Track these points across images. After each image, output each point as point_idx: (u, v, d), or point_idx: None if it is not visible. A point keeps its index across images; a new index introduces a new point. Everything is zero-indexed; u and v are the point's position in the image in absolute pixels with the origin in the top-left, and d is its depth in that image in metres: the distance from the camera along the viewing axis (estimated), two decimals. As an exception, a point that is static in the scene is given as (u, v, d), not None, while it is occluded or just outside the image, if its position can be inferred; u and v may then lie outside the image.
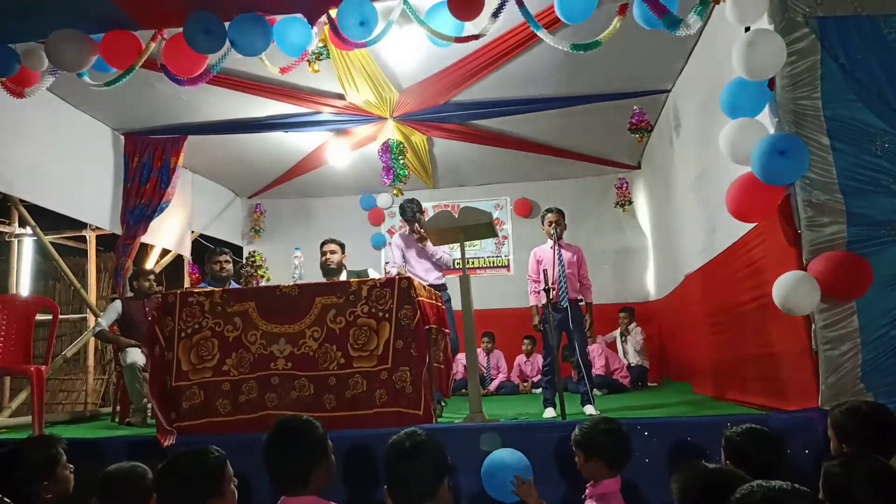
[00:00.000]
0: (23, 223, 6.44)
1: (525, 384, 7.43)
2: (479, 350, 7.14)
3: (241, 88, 5.37)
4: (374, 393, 3.65)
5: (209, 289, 4.25)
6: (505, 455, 2.91)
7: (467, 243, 4.22)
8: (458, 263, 4.46)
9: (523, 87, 5.64)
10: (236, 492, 2.15)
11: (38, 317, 4.82)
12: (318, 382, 3.71)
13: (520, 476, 2.74)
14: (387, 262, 8.63)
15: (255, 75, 5.17)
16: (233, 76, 5.15)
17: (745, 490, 1.46)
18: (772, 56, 3.05)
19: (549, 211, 4.88)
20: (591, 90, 5.73)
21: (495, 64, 5.14)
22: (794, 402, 3.34)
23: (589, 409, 4.40)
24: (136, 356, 4.90)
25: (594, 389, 4.81)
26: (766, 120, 3.30)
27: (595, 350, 6.69)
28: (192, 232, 7.54)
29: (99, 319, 5.36)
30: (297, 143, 6.88)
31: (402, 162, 6.29)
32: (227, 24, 3.59)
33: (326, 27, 3.79)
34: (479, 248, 8.49)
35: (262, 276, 8.36)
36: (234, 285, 5.28)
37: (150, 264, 6.89)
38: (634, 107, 5.99)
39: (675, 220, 6.08)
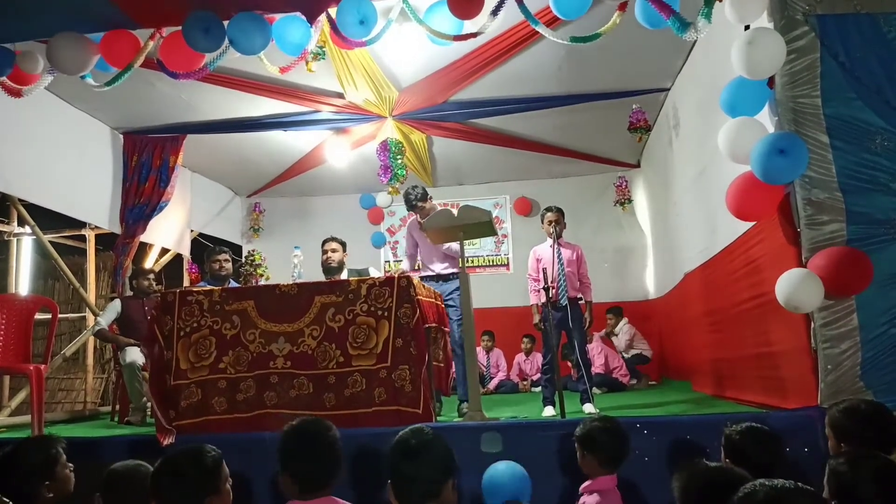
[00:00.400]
0: (22, 222, 6.43)
1: (524, 383, 7.43)
2: (479, 349, 7.15)
3: (241, 87, 5.36)
4: (374, 391, 3.65)
5: (208, 288, 4.25)
6: (503, 472, 2.89)
7: (467, 242, 4.22)
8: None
9: (523, 86, 5.64)
10: (231, 491, 2.15)
11: (38, 316, 4.81)
12: (318, 381, 3.71)
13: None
14: (389, 262, 8.65)
15: (255, 74, 5.16)
16: (232, 75, 5.15)
17: (747, 489, 1.45)
18: (771, 55, 3.05)
19: (548, 210, 4.88)
20: (590, 89, 5.72)
21: (495, 62, 5.14)
22: (794, 400, 3.34)
23: (588, 408, 4.41)
24: (135, 355, 4.90)
25: (593, 388, 4.81)
26: (765, 118, 3.30)
27: (594, 348, 6.69)
28: (192, 231, 7.53)
29: (98, 318, 5.36)
30: (297, 141, 6.87)
31: (400, 161, 6.28)
32: (226, 22, 3.58)
33: (326, 26, 3.78)
34: (479, 247, 8.49)
35: (262, 275, 8.35)
36: (233, 284, 5.28)
37: (149, 263, 6.89)
38: (633, 105, 5.98)
39: (674, 219, 6.08)
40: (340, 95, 5.70)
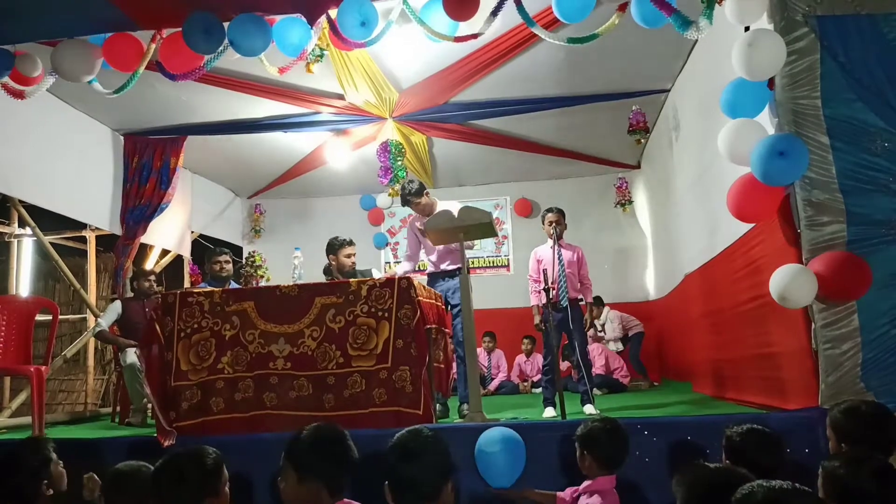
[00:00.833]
0: (22, 224, 6.43)
1: (525, 384, 7.42)
2: (480, 349, 7.14)
3: (241, 89, 5.36)
4: (373, 392, 3.65)
5: (209, 289, 4.25)
6: (496, 436, 2.89)
7: (467, 243, 4.21)
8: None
9: (523, 87, 5.64)
10: (229, 494, 2.15)
11: (38, 317, 4.82)
12: (317, 382, 3.71)
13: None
14: (390, 263, 8.65)
15: (255, 75, 5.16)
16: (232, 76, 5.15)
17: (745, 490, 1.45)
18: (772, 56, 3.05)
19: (549, 211, 4.88)
20: (590, 90, 5.72)
21: (495, 64, 5.14)
22: (795, 401, 3.34)
23: (589, 409, 4.40)
24: (135, 357, 4.90)
25: (594, 389, 4.81)
26: (765, 120, 3.30)
27: (595, 349, 6.68)
28: (192, 232, 7.53)
29: (99, 320, 5.36)
30: (297, 143, 6.87)
31: (400, 163, 6.28)
32: (226, 24, 3.58)
33: (326, 28, 3.79)
34: (480, 248, 8.49)
35: (262, 276, 8.35)
36: (233, 285, 5.27)
37: (149, 265, 6.89)
38: (633, 107, 5.98)
39: (674, 220, 6.08)
40: (341, 97, 5.70)
